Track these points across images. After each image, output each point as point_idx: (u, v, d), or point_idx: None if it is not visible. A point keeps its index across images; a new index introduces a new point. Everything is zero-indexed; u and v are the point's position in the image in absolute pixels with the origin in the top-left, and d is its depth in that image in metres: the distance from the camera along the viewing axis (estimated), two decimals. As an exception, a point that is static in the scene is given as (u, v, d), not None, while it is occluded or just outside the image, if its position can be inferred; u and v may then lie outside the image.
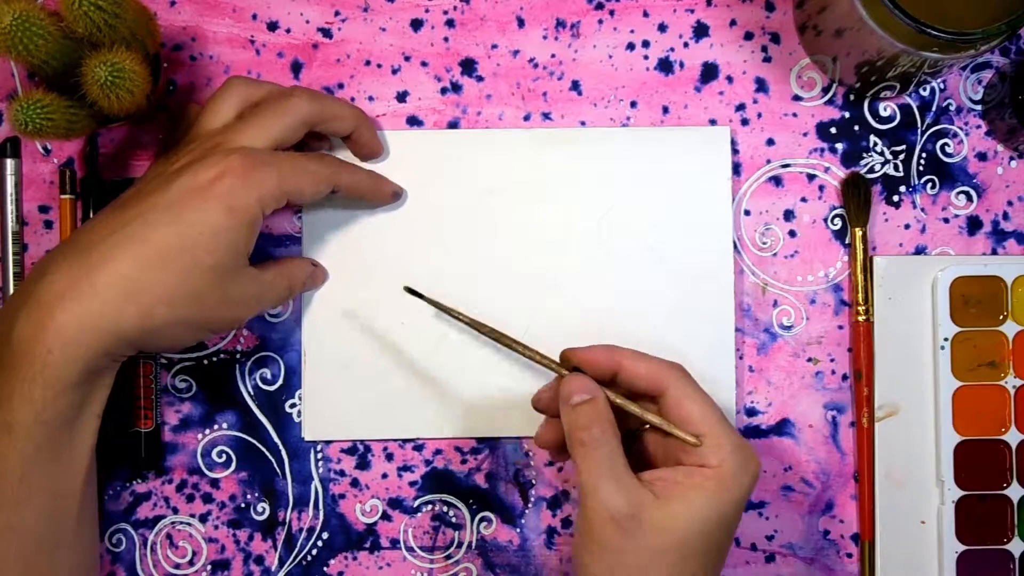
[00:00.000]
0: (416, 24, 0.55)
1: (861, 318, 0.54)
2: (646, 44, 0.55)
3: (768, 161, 0.55)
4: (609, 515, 0.43)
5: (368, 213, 0.54)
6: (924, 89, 0.56)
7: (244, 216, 0.45)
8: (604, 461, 0.44)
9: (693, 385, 0.46)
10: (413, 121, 0.55)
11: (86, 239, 0.45)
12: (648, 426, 0.47)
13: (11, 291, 0.53)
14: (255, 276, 0.48)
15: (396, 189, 0.54)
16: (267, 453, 0.55)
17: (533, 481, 0.55)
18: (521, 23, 0.55)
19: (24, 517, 0.44)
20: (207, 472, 0.55)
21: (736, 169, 0.55)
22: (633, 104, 0.55)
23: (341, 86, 0.55)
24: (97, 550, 0.50)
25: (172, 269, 0.44)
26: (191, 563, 0.55)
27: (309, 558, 0.55)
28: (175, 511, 0.55)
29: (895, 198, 0.55)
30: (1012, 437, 0.54)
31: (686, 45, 0.55)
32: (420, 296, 0.50)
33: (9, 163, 0.53)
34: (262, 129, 0.47)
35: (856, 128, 0.55)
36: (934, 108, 0.56)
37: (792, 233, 0.55)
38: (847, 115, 0.55)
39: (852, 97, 0.55)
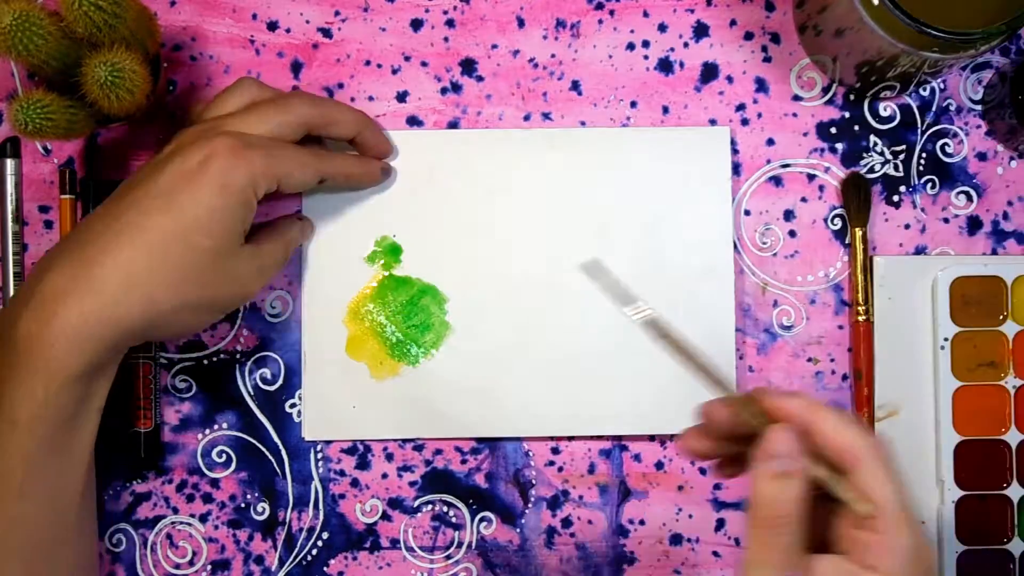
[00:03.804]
0: (416, 24, 0.55)
1: (861, 318, 0.54)
2: (646, 44, 0.55)
3: (768, 161, 0.55)
4: None
5: (369, 211, 0.54)
6: (924, 89, 0.56)
7: (237, 195, 0.45)
8: (779, 548, 0.38)
9: (888, 466, 0.39)
10: (413, 121, 0.55)
11: (84, 234, 0.45)
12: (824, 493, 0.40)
13: (11, 291, 0.53)
14: (253, 251, 0.48)
15: (384, 166, 0.54)
16: (267, 453, 0.55)
17: (533, 481, 0.55)
18: (521, 23, 0.55)
19: (26, 513, 0.44)
20: (207, 472, 0.55)
21: (736, 169, 0.55)
22: (633, 104, 0.55)
23: (341, 86, 0.55)
24: (96, 548, 0.50)
25: (170, 254, 0.44)
26: (191, 563, 0.55)
27: (309, 558, 0.55)
28: (175, 511, 0.55)
29: (895, 198, 0.55)
30: (1012, 437, 0.54)
31: (686, 45, 0.55)
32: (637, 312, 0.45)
33: (9, 163, 0.53)
34: (259, 119, 0.48)
35: (856, 128, 0.55)
36: (934, 108, 0.56)
37: (792, 233, 0.55)
38: (847, 115, 0.55)
39: (852, 97, 0.55)
